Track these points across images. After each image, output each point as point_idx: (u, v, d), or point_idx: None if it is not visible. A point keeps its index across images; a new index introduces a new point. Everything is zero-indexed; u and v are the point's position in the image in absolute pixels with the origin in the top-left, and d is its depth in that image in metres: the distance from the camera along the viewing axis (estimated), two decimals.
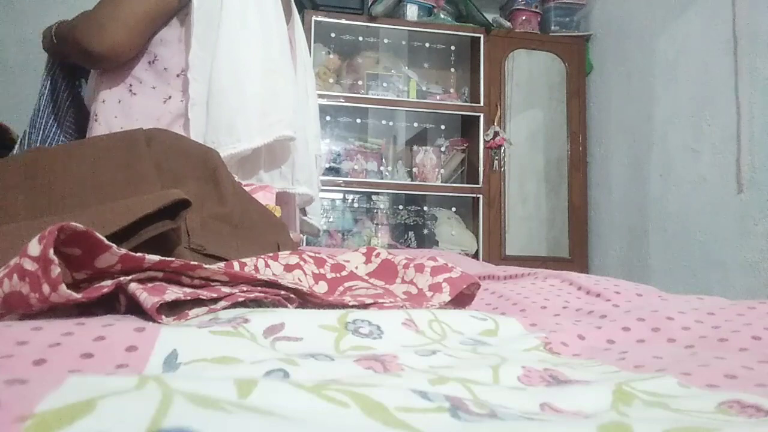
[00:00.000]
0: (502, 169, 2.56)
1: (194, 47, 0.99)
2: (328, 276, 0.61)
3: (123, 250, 0.40)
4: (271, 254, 0.61)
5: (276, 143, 1.06)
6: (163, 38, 1.02)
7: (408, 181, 2.58)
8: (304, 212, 1.37)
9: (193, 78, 0.99)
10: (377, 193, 2.61)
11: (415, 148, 2.61)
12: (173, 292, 0.41)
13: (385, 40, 2.69)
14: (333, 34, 2.58)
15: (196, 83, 0.99)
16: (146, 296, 0.39)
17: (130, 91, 1.03)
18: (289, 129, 1.05)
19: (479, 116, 2.56)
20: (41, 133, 1.11)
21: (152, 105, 1.02)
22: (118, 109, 1.02)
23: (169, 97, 1.02)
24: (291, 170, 1.15)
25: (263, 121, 1.03)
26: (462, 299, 0.62)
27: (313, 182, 1.25)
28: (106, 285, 0.39)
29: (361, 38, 2.64)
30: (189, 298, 0.42)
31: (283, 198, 1.16)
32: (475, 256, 2.47)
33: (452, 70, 2.80)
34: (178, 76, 1.03)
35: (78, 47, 0.96)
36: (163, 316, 0.40)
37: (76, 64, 1.11)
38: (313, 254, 0.64)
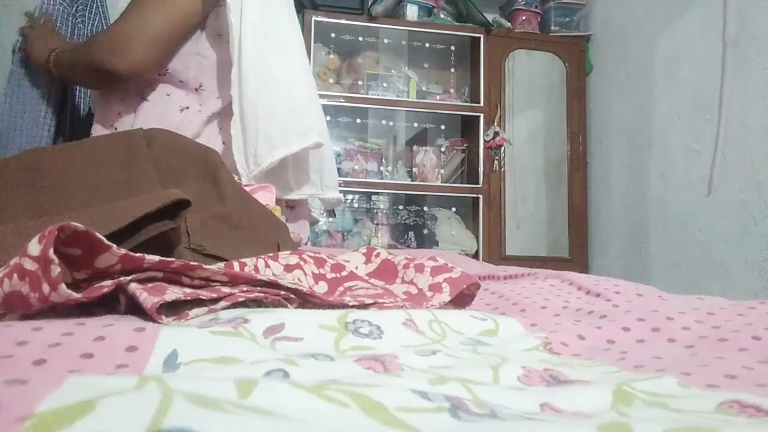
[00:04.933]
0: (502, 169, 2.56)
1: (232, 60, 0.98)
2: (328, 276, 0.61)
3: (123, 251, 0.40)
4: (271, 254, 0.61)
5: (302, 151, 1.06)
6: (179, 51, 1.00)
7: (408, 181, 2.58)
8: (333, 213, 1.40)
9: (234, 95, 0.99)
10: (377, 193, 2.61)
11: (415, 148, 2.61)
12: (173, 292, 0.41)
13: (385, 40, 2.69)
14: (333, 34, 2.58)
15: (235, 100, 0.99)
16: (146, 296, 0.39)
17: (143, 98, 1.01)
18: (320, 136, 1.06)
19: (479, 116, 2.56)
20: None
21: (167, 111, 1.00)
22: (134, 119, 1.00)
23: (187, 107, 1.00)
24: (320, 176, 1.16)
25: (297, 128, 1.03)
26: (462, 299, 0.62)
27: (337, 185, 1.26)
28: (106, 285, 0.39)
29: (361, 38, 2.64)
30: (189, 298, 0.42)
31: (291, 201, 1.16)
32: (475, 256, 2.47)
33: (452, 70, 2.80)
34: (196, 90, 1.02)
35: (98, 68, 0.92)
36: (163, 316, 0.40)
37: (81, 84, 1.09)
38: (313, 254, 0.64)
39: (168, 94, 1.01)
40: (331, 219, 2.56)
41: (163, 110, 1.00)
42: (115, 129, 1.02)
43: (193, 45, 1.01)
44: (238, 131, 0.99)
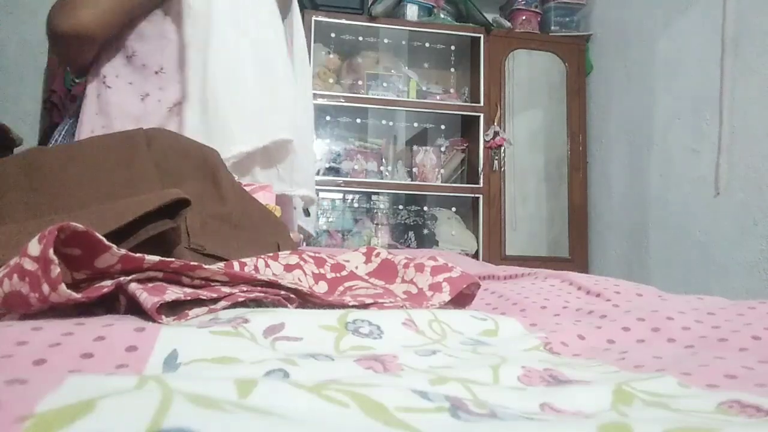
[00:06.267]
0: (502, 169, 2.56)
1: (190, 46, 0.97)
2: (328, 276, 0.61)
3: (123, 251, 0.40)
4: (271, 254, 0.61)
5: (272, 145, 1.04)
6: (143, 33, 0.99)
7: (408, 181, 2.58)
8: (307, 213, 1.36)
9: (189, 77, 0.96)
10: (377, 193, 2.61)
11: (415, 148, 2.61)
12: (173, 292, 0.41)
13: (385, 40, 2.69)
14: (333, 34, 2.58)
15: (191, 83, 0.97)
16: (146, 296, 0.39)
17: (104, 83, 1.00)
18: (287, 132, 1.03)
19: (479, 116, 2.56)
20: None
21: (129, 101, 0.99)
22: (96, 106, 1.00)
23: (147, 95, 0.99)
24: (290, 173, 1.13)
25: (260, 124, 1.01)
26: (462, 299, 0.62)
27: (312, 183, 1.24)
28: (106, 285, 0.39)
29: (361, 38, 2.64)
30: (189, 298, 0.42)
31: (281, 200, 1.15)
32: (475, 256, 2.47)
33: (452, 70, 2.80)
34: (156, 73, 0.99)
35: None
36: (163, 316, 0.40)
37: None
38: (313, 254, 0.64)
39: (130, 83, 1.00)
40: (330, 219, 2.57)
41: (125, 99, 0.99)
42: (80, 119, 1.01)
43: (157, 27, 1.00)
44: (194, 118, 0.97)
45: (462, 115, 2.66)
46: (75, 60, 1.02)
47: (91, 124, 1.00)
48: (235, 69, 0.99)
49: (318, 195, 2.53)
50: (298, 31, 1.27)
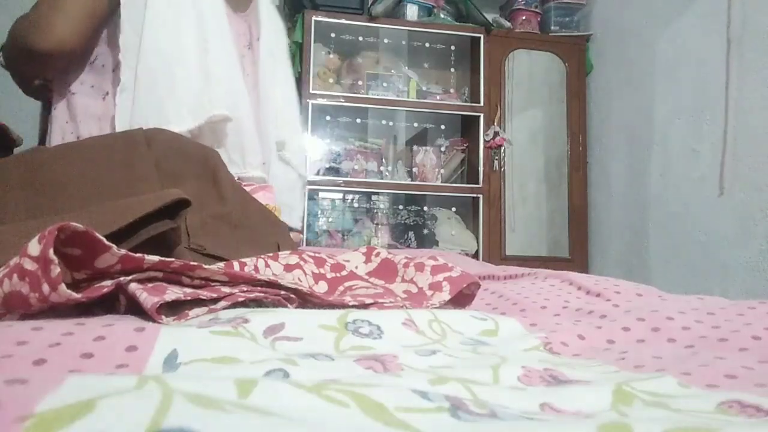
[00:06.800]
0: (502, 169, 2.56)
1: (125, 31, 0.95)
2: (328, 276, 0.61)
3: (123, 251, 0.40)
4: (271, 254, 0.61)
5: (218, 127, 1.03)
6: (102, 35, 0.99)
7: (408, 181, 2.58)
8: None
9: (125, 63, 0.95)
10: (377, 193, 2.61)
11: (415, 148, 2.61)
12: (173, 292, 0.41)
13: (385, 40, 2.69)
14: (333, 34, 2.58)
15: (127, 68, 0.95)
16: (146, 296, 0.39)
17: (70, 91, 1.00)
18: (223, 108, 1.01)
19: (479, 116, 2.56)
20: None
21: (92, 103, 0.99)
22: (66, 114, 1.00)
23: (107, 93, 0.99)
24: (241, 156, 1.12)
25: (196, 102, 0.99)
26: (462, 299, 0.62)
27: (268, 166, 1.21)
28: (106, 285, 0.39)
29: (361, 38, 2.63)
30: (189, 298, 0.42)
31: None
32: (475, 256, 2.47)
33: (452, 70, 2.80)
34: (113, 71, 0.99)
35: (22, 50, 0.92)
36: (163, 316, 0.40)
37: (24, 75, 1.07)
38: (313, 254, 0.64)
39: (92, 86, 1.00)
40: (330, 219, 2.57)
41: (88, 102, 1.00)
42: (50, 128, 1.02)
43: (111, 26, 0.99)
44: (126, 100, 0.95)
45: (462, 115, 2.66)
46: (36, 76, 1.03)
47: (62, 132, 1.01)
48: (170, 48, 0.98)
49: (318, 195, 2.54)
50: (266, 21, 1.24)
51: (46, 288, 0.35)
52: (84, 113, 0.99)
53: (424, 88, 2.66)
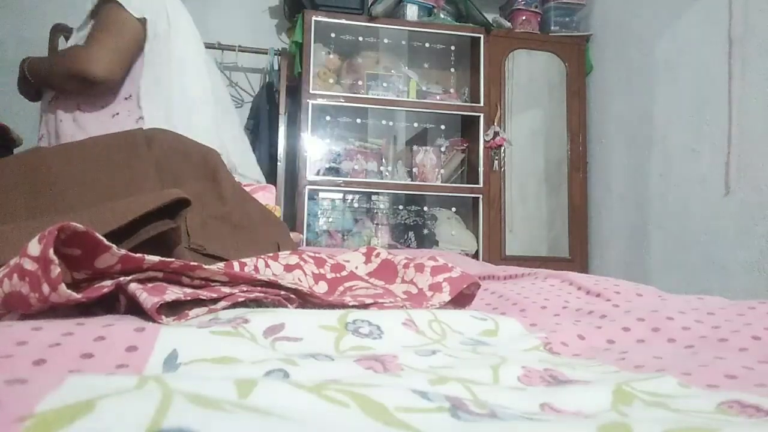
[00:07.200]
0: (502, 169, 2.56)
1: (147, 73, 1.19)
2: (328, 276, 0.61)
3: (123, 251, 0.40)
4: (271, 254, 0.61)
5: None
6: None
7: (408, 181, 2.58)
8: None
9: (150, 100, 1.18)
10: (377, 193, 2.61)
11: (415, 148, 2.61)
12: (173, 293, 0.41)
13: (385, 40, 2.69)
14: (333, 34, 2.58)
15: (152, 106, 1.18)
16: (146, 296, 0.39)
17: (79, 109, 1.19)
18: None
19: (479, 116, 2.56)
20: None
21: (102, 119, 1.18)
22: (74, 127, 1.18)
23: (117, 114, 1.19)
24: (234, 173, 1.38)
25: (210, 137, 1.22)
26: (462, 299, 0.62)
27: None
28: (106, 285, 0.39)
29: (361, 38, 2.63)
30: (189, 298, 0.42)
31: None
32: (475, 256, 2.47)
33: (452, 70, 2.80)
34: (126, 99, 1.21)
35: (77, 74, 1.12)
36: (163, 316, 0.40)
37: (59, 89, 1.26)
38: (313, 254, 0.64)
39: (102, 106, 1.20)
40: (330, 219, 2.57)
41: (98, 117, 1.19)
42: (57, 133, 1.21)
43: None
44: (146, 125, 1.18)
45: (462, 115, 2.66)
46: (73, 92, 1.21)
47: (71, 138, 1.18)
48: (193, 83, 1.24)
49: (318, 195, 2.54)
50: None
51: (46, 288, 0.35)
52: (95, 126, 1.17)
53: (424, 88, 2.66)
